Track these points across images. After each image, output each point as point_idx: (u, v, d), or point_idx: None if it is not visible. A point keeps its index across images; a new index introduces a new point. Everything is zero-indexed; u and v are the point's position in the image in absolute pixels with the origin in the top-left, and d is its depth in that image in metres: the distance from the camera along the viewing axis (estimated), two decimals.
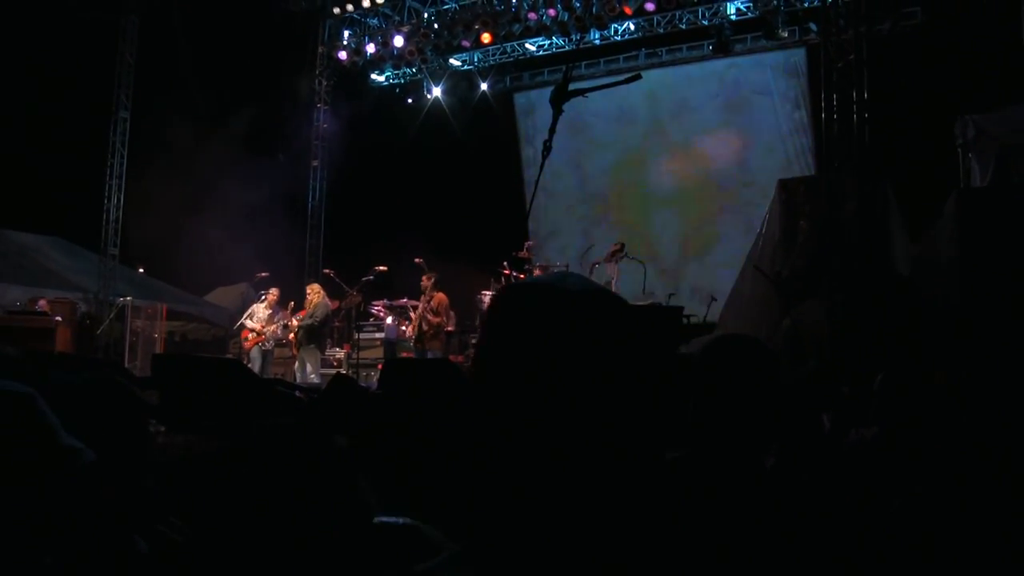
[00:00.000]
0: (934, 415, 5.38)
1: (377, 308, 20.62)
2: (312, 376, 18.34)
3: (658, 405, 1.62)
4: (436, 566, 1.58)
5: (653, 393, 1.61)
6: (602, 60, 24.98)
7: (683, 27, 22.77)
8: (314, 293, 19.19)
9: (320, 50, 26.72)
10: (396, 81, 27.00)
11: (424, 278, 18.47)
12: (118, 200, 22.84)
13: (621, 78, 8.01)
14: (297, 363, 18.94)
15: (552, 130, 6.26)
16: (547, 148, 6.31)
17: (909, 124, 17.75)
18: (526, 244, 19.04)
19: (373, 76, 26.95)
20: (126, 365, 18.42)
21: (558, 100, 6.31)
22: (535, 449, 1.50)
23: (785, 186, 16.31)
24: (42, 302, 19.26)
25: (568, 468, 1.50)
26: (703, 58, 23.93)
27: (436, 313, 18.19)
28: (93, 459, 2.51)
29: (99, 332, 21.21)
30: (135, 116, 23.17)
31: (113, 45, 22.95)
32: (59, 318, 18.54)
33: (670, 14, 22.31)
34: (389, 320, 20.18)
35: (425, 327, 18.22)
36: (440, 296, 18.29)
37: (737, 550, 2.83)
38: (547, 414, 1.49)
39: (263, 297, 19.37)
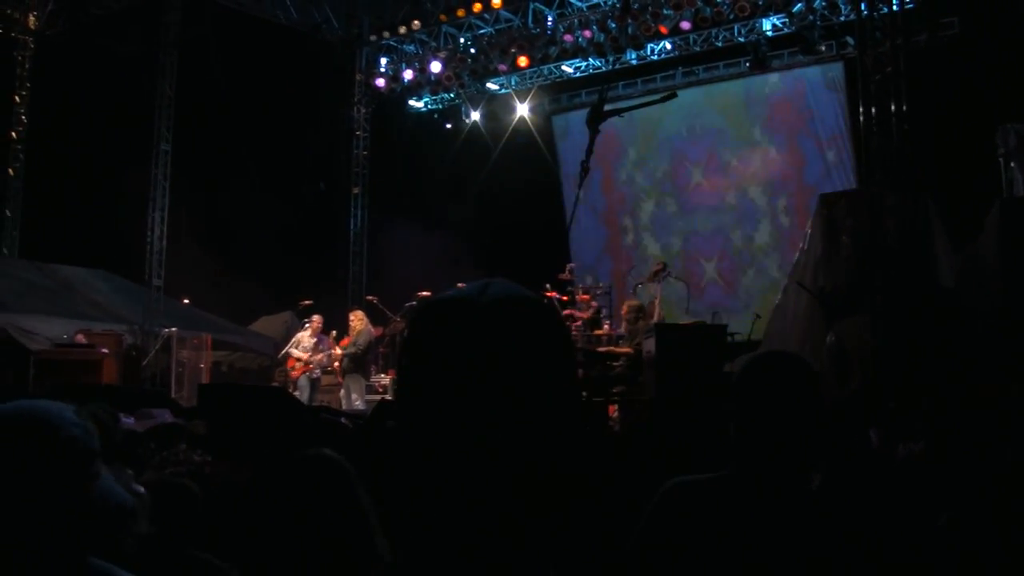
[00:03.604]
0: (982, 428, 5.34)
1: None
2: (357, 403, 18.37)
3: (583, 416, 1.57)
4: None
5: (576, 403, 1.57)
6: (639, 80, 24.94)
7: (719, 45, 22.74)
8: (357, 320, 19.24)
9: (358, 78, 26.86)
10: (434, 107, 27.07)
11: None
12: (161, 232, 22.98)
13: (656, 97, 8.02)
14: (342, 390, 18.98)
15: (589, 151, 6.29)
16: (585, 169, 6.34)
17: (950, 135, 17.63)
18: (568, 266, 19.05)
19: (411, 102, 27.01)
20: (173, 395, 18.48)
21: (594, 121, 6.34)
22: (454, 474, 1.45)
23: (826, 201, 16.27)
24: (79, 335, 19.35)
25: (494, 488, 1.45)
26: (740, 75, 23.86)
27: None
28: None
29: (145, 363, 21.30)
30: (176, 148, 23.33)
31: (153, 79, 23.14)
32: (105, 350, 18.62)
33: (706, 32, 22.27)
34: None
35: None
36: None
37: (785, 569, 2.81)
38: (466, 435, 1.44)
39: (306, 325, 19.46)
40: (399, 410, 1.54)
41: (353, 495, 3.80)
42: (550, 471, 1.49)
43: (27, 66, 25.58)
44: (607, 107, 6.64)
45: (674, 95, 7.64)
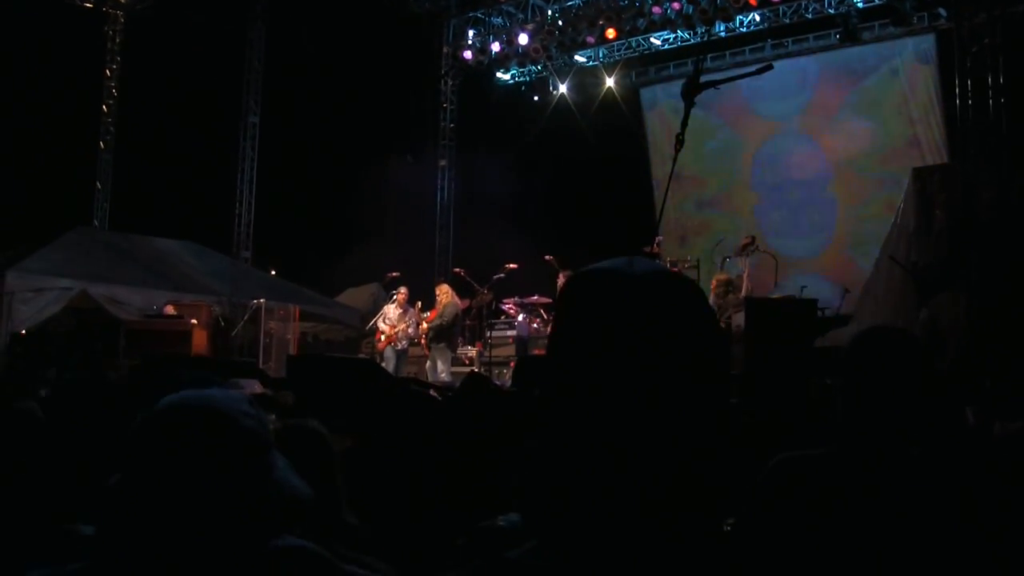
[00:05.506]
0: None
1: (508, 306, 20.68)
2: (443, 375, 18.45)
3: (726, 396, 1.57)
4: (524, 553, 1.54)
5: (723, 382, 1.57)
6: (728, 52, 24.70)
7: (809, 16, 22.45)
8: (443, 294, 19.32)
9: (445, 50, 26.85)
10: (522, 79, 27.02)
11: (560, 276, 18.39)
12: (249, 204, 23.21)
13: (752, 69, 7.92)
14: (428, 362, 19.07)
15: (684, 123, 6.22)
16: (679, 142, 6.27)
17: None
18: (656, 239, 18.94)
19: (499, 75, 26.97)
20: (261, 366, 18.65)
21: (690, 93, 6.26)
22: (602, 443, 1.46)
23: (919, 175, 16.02)
24: (169, 306, 19.57)
25: (639, 461, 1.45)
26: (830, 47, 23.56)
27: None
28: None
29: (234, 334, 21.50)
30: (264, 121, 23.51)
31: (241, 52, 23.33)
32: (194, 321, 18.87)
33: (796, 4, 22.05)
34: (520, 318, 20.20)
35: None
36: None
37: (887, 544, 2.77)
38: (616, 404, 1.45)
39: (393, 297, 19.56)
40: (550, 375, 1.55)
41: (329, 463, 3.84)
42: (698, 447, 1.49)
43: (117, 40, 25.90)
44: (701, 79, 6.55)
45: (770, 67, 7.52)
